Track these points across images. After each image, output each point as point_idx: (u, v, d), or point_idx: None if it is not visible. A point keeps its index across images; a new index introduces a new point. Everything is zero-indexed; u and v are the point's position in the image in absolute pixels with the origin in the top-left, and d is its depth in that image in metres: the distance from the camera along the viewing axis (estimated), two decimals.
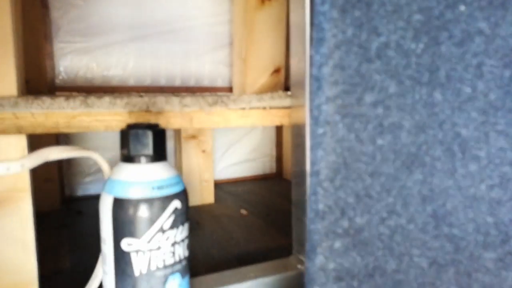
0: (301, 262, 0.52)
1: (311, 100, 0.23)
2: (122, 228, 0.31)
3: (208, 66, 0.90)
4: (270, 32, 0.62)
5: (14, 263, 0.40)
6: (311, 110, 0.23)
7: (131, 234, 0.31)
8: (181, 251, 0.34)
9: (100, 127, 0.42)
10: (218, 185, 1.07)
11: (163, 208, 0.32)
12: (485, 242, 0.28)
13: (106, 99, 0.41)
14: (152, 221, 0.31)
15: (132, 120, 0.43)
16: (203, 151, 0.92)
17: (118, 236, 0.31)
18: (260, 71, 0.61)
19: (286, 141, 1.20)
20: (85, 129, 0.41)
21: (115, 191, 0.31)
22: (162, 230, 0.32)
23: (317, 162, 0.23)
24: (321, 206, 0.23)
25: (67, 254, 0.63)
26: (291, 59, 0.52)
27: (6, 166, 0.27)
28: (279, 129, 1.21)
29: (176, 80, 0.90)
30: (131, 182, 0.31)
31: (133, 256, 0.31)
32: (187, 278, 0.35)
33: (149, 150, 0.32)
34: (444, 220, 0.26)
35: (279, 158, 1.23)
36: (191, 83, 0.90)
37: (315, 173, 0.23)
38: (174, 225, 0.32)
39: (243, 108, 0.49)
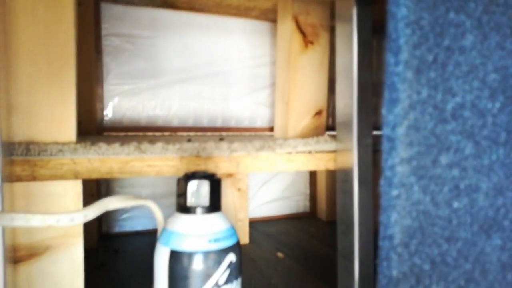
0: None
1: (384, 160, 0.22)
2: (178, 282, 0.30)
3: (248, 107, 0.92)
4: (313, 75, 0.62)
5: None
6: (383, 171, 0.22)
7: None
8: None
9: (151, 172, 0.42)
10: (252, 224, 1.06)
11: (219, 262, 0.31)
12: None
13: (159, 145, 0.42)
14: (208, 275, 0.30)
15: (183, 165, 0.43)
16: (239, 190, 0.91)
17: None
18: (302, 113, 0.61)
19: (320, 180, 1.18)
20: (137, 174, 0.42)
21: (172, 243, 0.31)
22: (217, 285, 0.31)
23: (391, 225, 0.22)
24: (394, 273, 0.22)
25: None
26: (337, 103, 0.52)
27: (70, 217, 0.28)
28: None
29: (217, 121, 0.92)
30: (187, 234, 0.31)
31: None
32: None
33: (206, 201, 0.32)
34: None
35: (313, 197, 1.21)
36: (232, 123, 0.92)
37: (389, 237, 0.22)
38: (229, 280, 0.32)
39: (289, 153, 0.48)
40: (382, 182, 0.23)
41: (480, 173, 0.23)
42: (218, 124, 0.91)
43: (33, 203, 0.38)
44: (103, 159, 0.40)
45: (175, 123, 0.86)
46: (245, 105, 0.93)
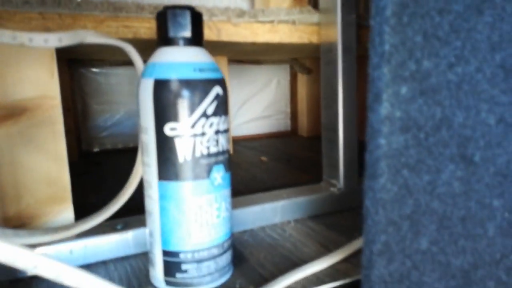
0: (333, 186, 0.51)
1: None
2: (165, 112, 0.30)
3: (225, 0, 0.88)
4: None
5: (47, 176, 0.39)
6: None
7: (175, 118, 0.30)
8: (224, 142, 0.32)
9: (128, 33, 0.40)
10: (233, 141, 1.06)
11: (206, 92, 0.30)
12: None
13: (134, 3, 0.39)
14: (195, 104, 0.30)
15: None
16: None
17: (160, 122, 0.30)
18: None
19: (300, 98, 1.18)
20: (114, 35, 0.39)
21: (156, 74, 0.30)
22: (205, 115, 0.30)
23: None
24: (387, 47, 0.22)
25: (93, 191, 0.62)
26: None
27: (44, 37, 0.26)
28: (293, 86, 1.19)
29: None
30: (172, 63, 0.30)
31: (177, 142, 0.30)
32: (229, 174, 0.34)
33: (188, 32, 0.30)
34: None
35: (294, 116, 1.21)
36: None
37: (381, 10, 0.21)
38: (217, 112, 0.31)
39: (272, 21, 0.47)
40: None
41: None
42: None
43: (3, 61, 0.36)
44: (75, 15, 0.37)
45: None
46: None
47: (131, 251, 0.39)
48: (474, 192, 0.25)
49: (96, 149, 0.94)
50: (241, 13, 0.44)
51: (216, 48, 0.59)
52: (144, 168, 0.32)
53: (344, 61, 0.48)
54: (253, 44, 0.48)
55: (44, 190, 0.40)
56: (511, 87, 0.24)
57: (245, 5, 0.91)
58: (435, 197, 0.24)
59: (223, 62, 0.89)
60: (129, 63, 0.91)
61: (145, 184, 0.32)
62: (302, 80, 1.15)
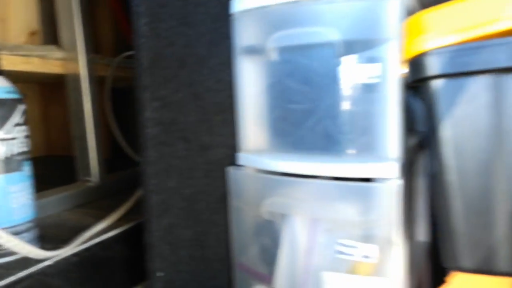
0: (89, 181, 0.66)
1: None
2: None
3: None
4: None
5: None
6: None
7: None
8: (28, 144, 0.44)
9: None
10: None
11: (15, 107, 0.42)
12: None
13: None
14: (6, 117, 0.41)
15: None
16: None
17: None
18: (18, 30, 0.68)
19: None
20: None
21: None
22: (18, 124, 0.42)
23: None
24: (146, 82, 0.43)
25: None
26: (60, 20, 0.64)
27: None
28: None
29: None
30: None
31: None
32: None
33: None
34: None
35: None
36: None
37: (140, 64, 0.43)
38: (25, 123, 0.43)
39: (27, 55, 0.58)
40: None
41: None
42: None
43: None
44: None
45: None
46: None
47: None
48: None
49: None
50: (1, 47, 0.54)
51: None
52: None
53: (89, 87, 0.65)
54: (13, 72, 0.58)
55: None
56: None
57: None
58: None
59: None
60: None
61: None
62: None
